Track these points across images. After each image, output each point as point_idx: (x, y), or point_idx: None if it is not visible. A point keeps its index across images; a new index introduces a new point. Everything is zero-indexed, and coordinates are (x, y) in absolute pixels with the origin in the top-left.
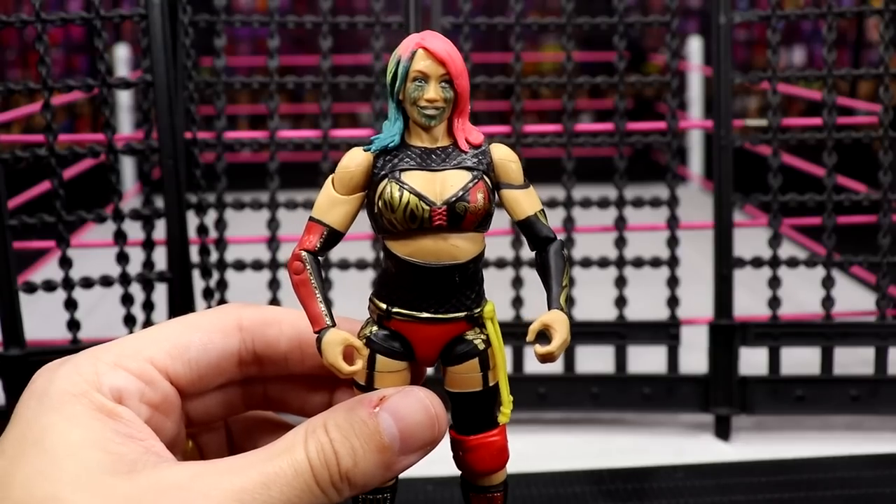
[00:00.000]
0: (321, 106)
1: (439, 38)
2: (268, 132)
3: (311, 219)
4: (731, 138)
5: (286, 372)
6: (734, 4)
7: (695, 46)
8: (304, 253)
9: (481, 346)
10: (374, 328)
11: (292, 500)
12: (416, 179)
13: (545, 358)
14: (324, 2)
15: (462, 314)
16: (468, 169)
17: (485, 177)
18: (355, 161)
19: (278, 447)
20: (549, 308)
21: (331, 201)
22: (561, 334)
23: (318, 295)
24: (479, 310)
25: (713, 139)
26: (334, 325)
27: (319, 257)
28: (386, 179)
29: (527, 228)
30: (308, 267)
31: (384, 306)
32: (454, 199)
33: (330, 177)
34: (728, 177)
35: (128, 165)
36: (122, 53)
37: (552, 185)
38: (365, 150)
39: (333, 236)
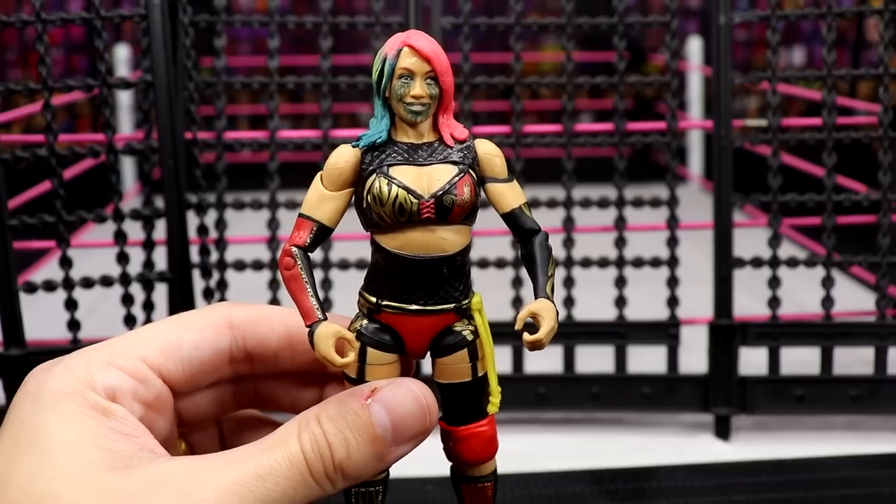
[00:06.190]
0: (321, 106)
1: (424, 37)
2: (268, 132)
3: (300, 215)
4: (731, 138)
5: (277, 369)
6: (734, 4)
7: (695, 46)
8: (294, 249)
9: (470, 337)
10: (365, 322)
11: (288, 492)
12: (404, 174)
13: (534, 345)
14: (324, 2)
15: (451, 306)
16: (454, 163)
17: (470, 170)
18: (344, 158)
19: (273, 440)
20: (536, 297)
21: (320, 197)
22: (548, 322)
23: (309, 289)
24: (466, 301)
25: (713, 139)
26: (326, 318)
27: (310, 253)
28: (374, 174)
29: (512, 221)
30: (299, 262)
31: (374, 300)
32: (441, 192)
33: (319, 174)
34: (728, 177)
35: (128, 165)
36: (122, 53)
37: (552, 185)
38: (353, 147)
39: (323, 232)
